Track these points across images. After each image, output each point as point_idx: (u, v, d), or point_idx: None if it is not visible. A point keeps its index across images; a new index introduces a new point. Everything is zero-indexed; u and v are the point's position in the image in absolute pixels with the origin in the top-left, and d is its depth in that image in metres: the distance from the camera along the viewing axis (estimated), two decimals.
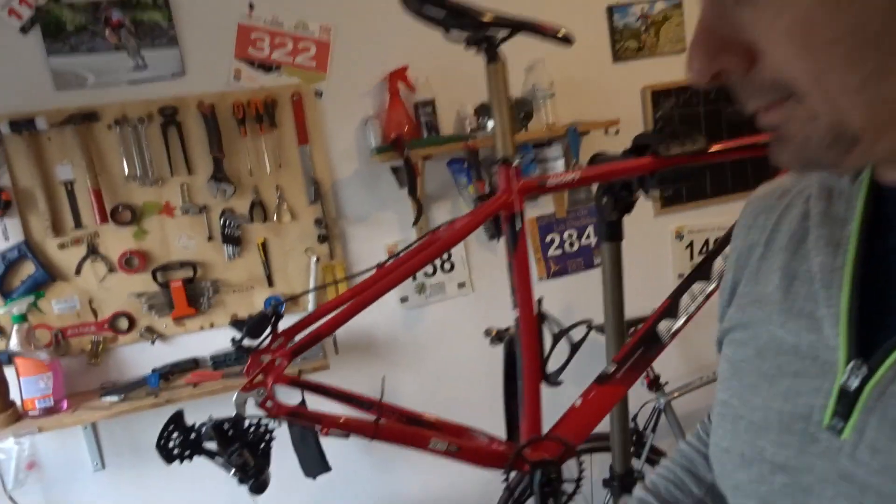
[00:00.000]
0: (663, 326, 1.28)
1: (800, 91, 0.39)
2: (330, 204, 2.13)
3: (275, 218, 2.08)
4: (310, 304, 2.12)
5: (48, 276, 1.91)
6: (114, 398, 1.90)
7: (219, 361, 2.06)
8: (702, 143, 1.31)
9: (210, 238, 2.04)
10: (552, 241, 2.37)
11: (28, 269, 1.91)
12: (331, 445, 2.03)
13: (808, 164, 0.43)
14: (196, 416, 2.12)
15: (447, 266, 2.29)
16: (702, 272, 1.30)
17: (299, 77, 2.08)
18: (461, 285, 2.31)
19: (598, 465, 2.14)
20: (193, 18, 1.98)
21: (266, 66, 2.05)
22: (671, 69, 2.39)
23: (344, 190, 2.16)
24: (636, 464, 2.13)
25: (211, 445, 1.09)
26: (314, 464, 2.02)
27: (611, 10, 2.33)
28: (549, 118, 2.19)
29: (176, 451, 1.06)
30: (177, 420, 1.06)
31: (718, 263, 1.29)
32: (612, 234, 1.55)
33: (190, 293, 2.03)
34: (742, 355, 0.55)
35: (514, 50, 1.50)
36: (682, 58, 2.42)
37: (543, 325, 1.32)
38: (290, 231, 2.11)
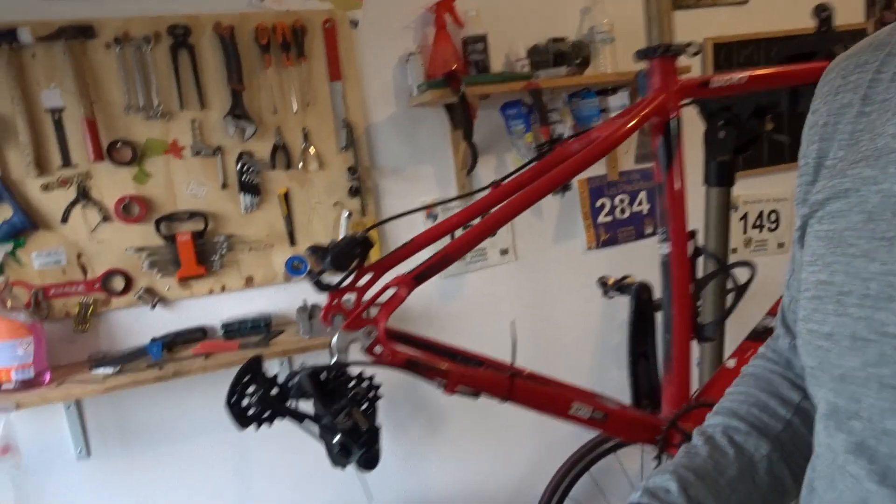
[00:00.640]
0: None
1: None
2: (363, 151, 1.84)
3: (300, 165, 1.79)
4: None
5: (28, 223, 1.58)
6: (108, 370, 1.58)
7: (232, 330, 1.76)
8: None
9: (224, 185, 1.73)
10: (602, 206, 2.13)
11: (4, 212, 1.57)
12: None
13: None
14: (208, 394, 1.83)
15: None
16: None
17: (332, 2, 1.80)
18: (504, 252, 2.05)
19: None
20: None
21: None
22: (734, 21, 2.19)
23: (379, 136, 1.88)
24: None
25: (298, 405, 0.80)
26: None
27: None
28: (609, 66, 1.95)
29: (252, 412, 0.77)
30: (254, 369, 0.78)
31: None
32: (723, 176, 1.31)
33: (199, 249, 1.72)
34: (846, 224, 0.50)
35: None
36: (745, 9, 2.21)
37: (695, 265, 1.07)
38: (317, 181, 1.81)
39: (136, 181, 1.67)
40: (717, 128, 1.22)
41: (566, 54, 1.92)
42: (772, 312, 1.05)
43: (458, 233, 0.97)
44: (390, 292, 0.88)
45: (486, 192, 0.99)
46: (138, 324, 1.74)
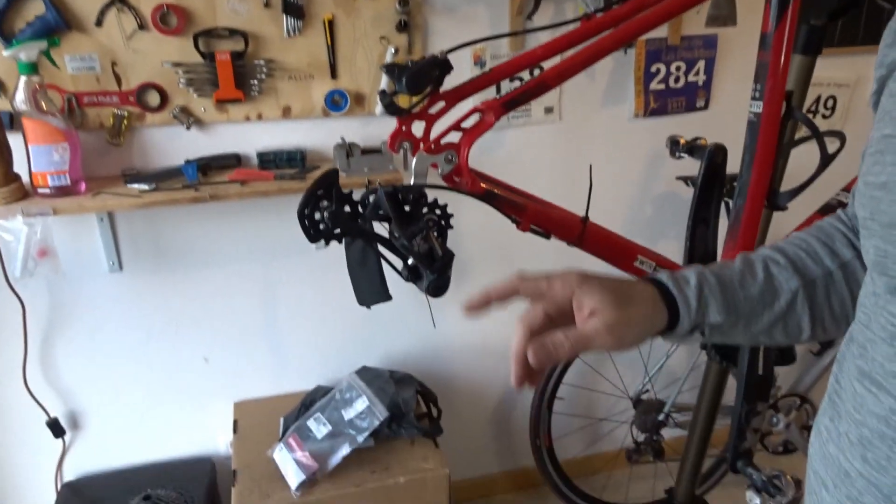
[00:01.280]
0: None
1: None
2: None
3: None
4: (378, 106, 1.75)
5: (62, 21, 1.49)
6: (143, 186, 1.55)
7: (268, 161, 1.72)
8: None
9: (267, 4, 1.62)
10: (657, 71, 2.02)
11: (37, 7, 1.48)
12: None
13: None
14: (241, 222, 1.82)
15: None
16: None
17: None
18: (548, 110, 1.96)
19: None
20: None
21: None
22: None
23: None
24: None
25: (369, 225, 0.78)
26: (373, 290, 1.75)
27: None
28: None
29: (324, 227, 0.75)
30: (330, 182, 0.74)
31: None
32: (812, 43, 1.21)
33: (238, 72, 1.64)
34: None
35: None
36: None
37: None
38: (364, 10, 1.69)
39: None
40: None
41: None
42: (847, 188, 1.01)
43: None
44: (474, 118, 0.83)
45: (576, 24, 0.91)
46: (172, 143, 1.69)
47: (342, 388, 1.79)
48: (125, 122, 1.62)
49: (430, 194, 0.76)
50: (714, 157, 1.01)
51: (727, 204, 2.00)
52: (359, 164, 1.68)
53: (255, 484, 1.68)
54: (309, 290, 1.95)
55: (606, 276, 0.63)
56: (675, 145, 1.06)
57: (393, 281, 1.76)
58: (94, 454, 1.95)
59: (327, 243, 0.77)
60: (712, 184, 1.02)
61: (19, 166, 1.51)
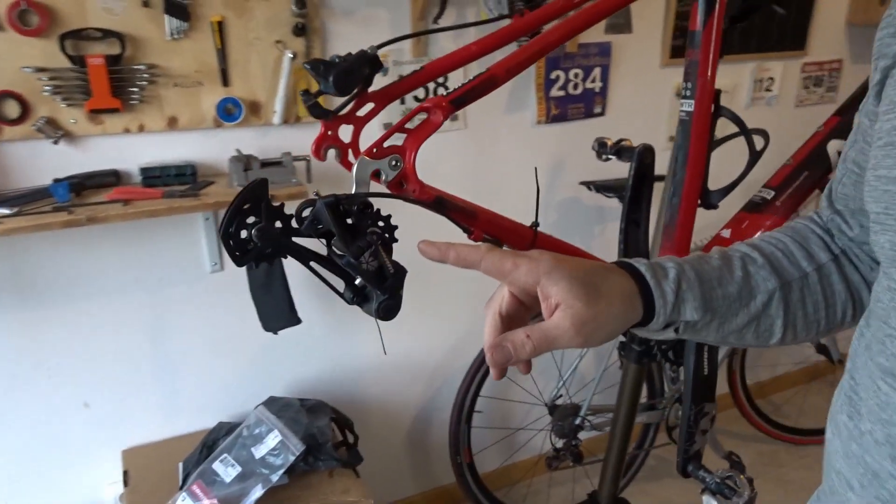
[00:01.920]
0: (832, 147, 1.02)
1: None
2: None
3: None
4: (276, 114, 1.63)
5: None
6: (3, 210, 1.34)
7: (153, 177, 1.54)
8: None
9: (146, 3, 1.46)
10: (557, 78, 2.03)
11: None
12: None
13: None
14: (124, 247, 1.61)
15: (441, 91, 1.88)
16: None
17: None
18: (454, 118, 1.92)
19: None
20: None
21: None
22: None
23: None
24: None
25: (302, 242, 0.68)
26: (279, 314, 1.63)
27: None
28: None
29: (253, 246, 0.64)
30: (258, 194, 0.63)
31: None
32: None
33: (115, 78, 1.46)
34: None
35: None
36: None
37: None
38: (257, 12, 1.57)
39: None
40: None
41: None
42: (769, 185, 1.03)
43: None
44: (419, 118, 0.75)
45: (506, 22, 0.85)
46: (37, 160, 1.48)
47: (250, 424, 1.63)
48: None
49: (373, 204, 0.67)
50: (643, 157, 0.99)
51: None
52: (258, 177, 1.55)
53: None
54: (204, 318, 1.77)
55: (580, 261, 0.57)
56: (602, 147, 1.04)
57: (299, 302, 1.64)
58: None
59: (257, 265, 0.67)
60: (642, 185, 1.00)
61: None
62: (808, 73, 2.51)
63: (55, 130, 1.45)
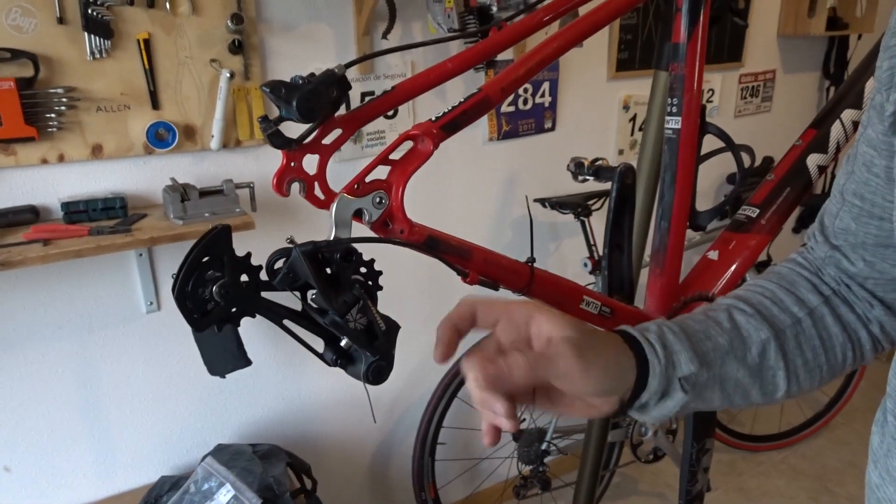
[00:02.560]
0: (811, 161, 0.99)
1: None
2: None
3: (167, 5, 1.40)
4: (214, 139, 1.50)
5: None
6: None
7: (77, 212, 1.38)
8: None
9: (62, 20, 1.31)
10: None
11: None
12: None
13: None
14: (45, 290, 1.43)
15: (390, 112, 1.79)
16: (850, 98, 1.03)
17: None
18: None
19: None
20: None
21: None
22: None
23: None
24: None
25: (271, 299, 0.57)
26: (227, 356, 1.48)
27: None
28: None
29: (214, 306, 0.53)
30: (219, 244, 0.53)
31: (870, 85, 1.03)
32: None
33: (28, 104, 1.30)
34: None
35: None
36: None
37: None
38: (188, 29, 1.44)
39: None
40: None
41: None
42: (752, 202, 0.99)
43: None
44: (405, 147, 0.66)
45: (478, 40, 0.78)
46: None
47: (198, 479, 1.48)
48: None
49: (356, 251, 0.58)
50: (624, 177, 0.93)
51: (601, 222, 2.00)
52: (198, 208, 1.42)
53: None
54: (139, 363, 1.61)
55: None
56: (579, 168, 0.98)
57: (245, 338, 1.51)
58: None
59: (220, 328, 0.56)
60: (623, 207, 0.94)
61: None
62: (745, 83, 2.56)
63: None
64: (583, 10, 0.94)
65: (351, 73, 1.68)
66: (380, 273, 0.58)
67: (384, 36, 1.60)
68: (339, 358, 0.57)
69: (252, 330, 1.63)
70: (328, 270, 0.55)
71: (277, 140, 0.66)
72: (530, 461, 2.02)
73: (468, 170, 1.97)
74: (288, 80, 0.66)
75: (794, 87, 2.73)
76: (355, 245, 0.56)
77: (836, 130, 1.01)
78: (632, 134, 2.31)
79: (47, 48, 1.31)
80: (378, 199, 0.64)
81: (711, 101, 2.47)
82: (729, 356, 0.58)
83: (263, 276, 0.57)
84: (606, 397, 0.53)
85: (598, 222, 1.94)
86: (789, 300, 0.62)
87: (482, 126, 1.96)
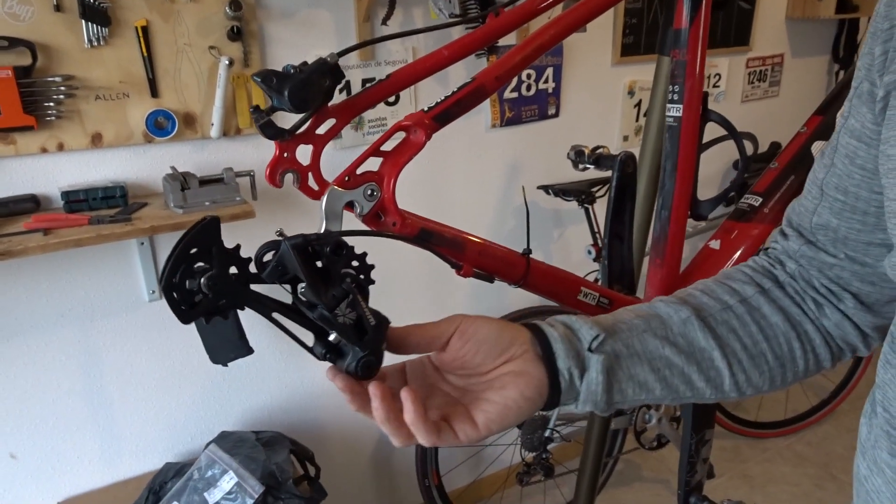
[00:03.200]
0: (817, 149, 0.98)
1: None
2: None
3: None
4: (214, 127, 1.49)
5: None
6: None
7: (77, 201, 1.38)
8: None
9: (59, 7, 1.30)
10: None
11: None
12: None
13: None
14: (47, 280, 1.44)
15: (391, 97, 1.78)
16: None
17: None
18: None
19: None
20: None
21: None
22: None
23: None
24: None
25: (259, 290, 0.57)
26: (229, 345, 1.49)
27: None
28: None
29: (202, 298, 0.53)
30: (208, 236, 0.52)
31: None
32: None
33: (26, 92, 1.30)
34: None
35: None
36: None
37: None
38: (186, 15, 1.43)
39: None
40: None
41: None
42: (755, 190, 0.97)
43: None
44: (397, 138, 0.65)
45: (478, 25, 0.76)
46: None
47: (201, 466, 1.49)
48: None
49: (347, 244, 0.57)
50: (625, 166, 0.92)
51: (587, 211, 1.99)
52: (198, 197, 1.41)
53: None
54: (142, 351, 1.61)
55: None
56: (580, 156, 0.97)
57: (247, 326, 1.51)
58: None
59: (208, 321, 0.56)
60: (624, 196, 0.93)
61: None
62: (753, 67, 2.52)
63: None
64: None
65: (351, 60, 1.68)
66: (372, 267, 0.58)
67: (384, 22, 1.58)
68: (329, 352, 0.57)
69: (254, 318, 1.62)
70: (318, 264, 0.54)
71: (269, 130, 0.65)
72: (533, 448, 2.03)
73: (471, 157, 1.95)
74: (280, 69, 0.65)
75: (803, 71, 2.69)
76: (348, 239, 0.56)
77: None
78: (636, 120, 2.29)
79: (45, 36, 1.30)
80: (369, 192, 0.64)
81: (718, 87, 2.44)
82: (647, 334, 0.58)
83: (253, 269, 0.56)
84: (510, 353, 0.53)
85: (602, 209, 1.92)
86: (720, 290, 0.62)
87: (485, 113, 1.95)
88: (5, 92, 1.27)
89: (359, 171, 0.65)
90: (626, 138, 2.30)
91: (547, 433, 2.01)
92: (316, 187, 0.67)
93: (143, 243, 1.52)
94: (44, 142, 1.35)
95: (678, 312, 0.59)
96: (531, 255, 0.75)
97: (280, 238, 0.53)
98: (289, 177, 0.70)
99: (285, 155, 0.68)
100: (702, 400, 0.60)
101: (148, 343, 1.61)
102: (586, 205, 2.01)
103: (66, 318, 1.50)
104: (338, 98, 0.69)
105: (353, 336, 0.54)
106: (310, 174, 0.70)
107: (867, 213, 0.55)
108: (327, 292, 0.53)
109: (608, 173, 1.08)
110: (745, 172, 0.96)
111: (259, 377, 1.79)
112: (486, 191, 2.03)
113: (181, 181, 1.40)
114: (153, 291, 1.57)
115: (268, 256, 0.55)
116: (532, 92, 2.01)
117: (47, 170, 1.39)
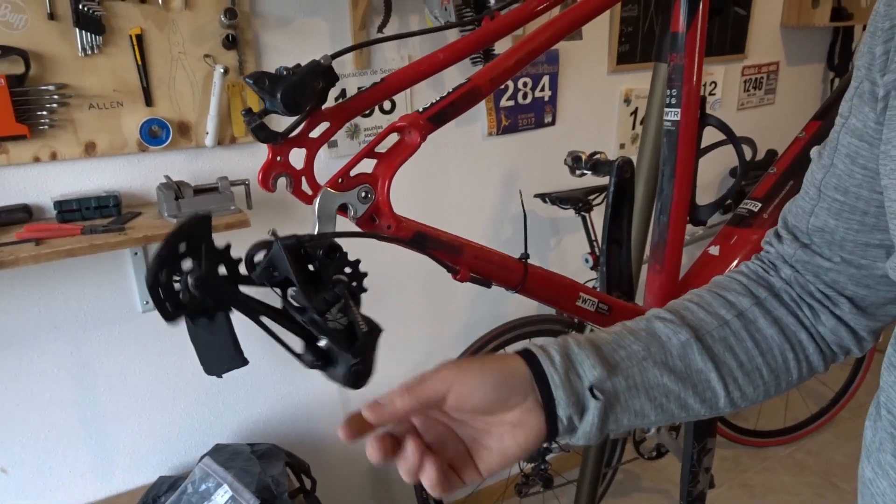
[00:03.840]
0: (816, 153, 0.97)
1: None
2: None
3: (159, 0, 1.38)
4: (209, 135, 1.48)
5: None
6: None
7: (70, 210, 1.37)
8: None
9: (52, 16, 1.29)
10: (506, 88, 1.96)
11: None
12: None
13: None
14: (39, 290, 1.42)
15: (387, 105, 1.78)
16: None
17: None
18: None
19: None
20: None
21: None
22: None
23: None
24: None
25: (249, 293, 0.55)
26: (223, 355, 1.47)
27: None
28: None
29: (189, 298, 0.52)
30: (197, 232, 0.51)
31: None
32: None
33: (19, 101, 1.29)
34: None
35: None
36: None
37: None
38: (181, 24, 1.42)
39: None
40: None
41: None
42: (755, 196, 0.96)
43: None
44: (391, 139, 0.64)
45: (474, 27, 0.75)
46: None
47: (195, 479, 1.47)
48: None
49: (341, 248, 0.56)
50: (622, 171, 0.91)
51: (584, 219, 1.98)
52: (192, 206, 1.40)
53: None
54: (136, 363, 1.60)
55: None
56: (576, 161, 0.96)
57: (242, 336, 1.49)
58: None
59: (194, 321, 0.54)
60: (622, 201, 0.92)
61: None
62: (748, 75, 2.52)
63: None
64: None
65: (347, 68, 1.67)
66: (365, 275, 0.56)
67: (380, 29, 1.58)
68: (318, 359, 0.55)
69: (248, 328, 1.60)
70: (310, 267, 0.53)
71: (262, 133, 0.64)
72: (532, 458, 2.01)
73: (467, 165, 1.95)
74: (272, 70, 0.64)
75: (798, 79, 2.70)
76: (342, 243, 0.54)
77: None
78: (633, 128, 2.29)
79: (38, 44, 1.29)
80: (363, 194, 0.63)
81: (714, 94, 2.44)
82: (647, 362, 0.56)
83: (243, 269, 0.55)
84: (509, 405, 0.51)
85: (599, 217, 1.91)
86: (717, 303, 0.61)
87: (481, 121, 1.94)
88: None
89: (353, 173, 0.64)
90: (622, 146, 2.29)
91: (546, 443, 1.99)
92: (309, 192, 0.66)
93: (136, 253, 1.50)
94: (36, 151, 1.34)
95: (677, 334, 0.58)
96: (528, 261, 0.74)
97: (272, 238, 0.52)
98: (282, 181, 0.69)
99: (278, 158, 0.67)
100: (695, 418, 0.59)
101: (141, 354, 1.59)
102: (583, 213, 2.00)
103: (59, 329, 1.48)
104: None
105: (343, 342, 0.52)
106: (303, 178, 0.68)
107: (867, 214, 0.55)
108: (318, 296, 0.52)
109: (605, 181, 1.07)
110: (743, 178, 0.95)
111: (254, 388, 1.77)
112: (483, 199, 2.02)
113: (175, 190, 1.38)
114: (147, 302, 1.55)
115: (259, 256, 0.54)
116: (528, 100, 2.01)
117: (40, 179, 1.37)
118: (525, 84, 1.99)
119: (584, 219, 2.01)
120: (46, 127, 1.33)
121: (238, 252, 0.55)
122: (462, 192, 1.96)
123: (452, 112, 0.69)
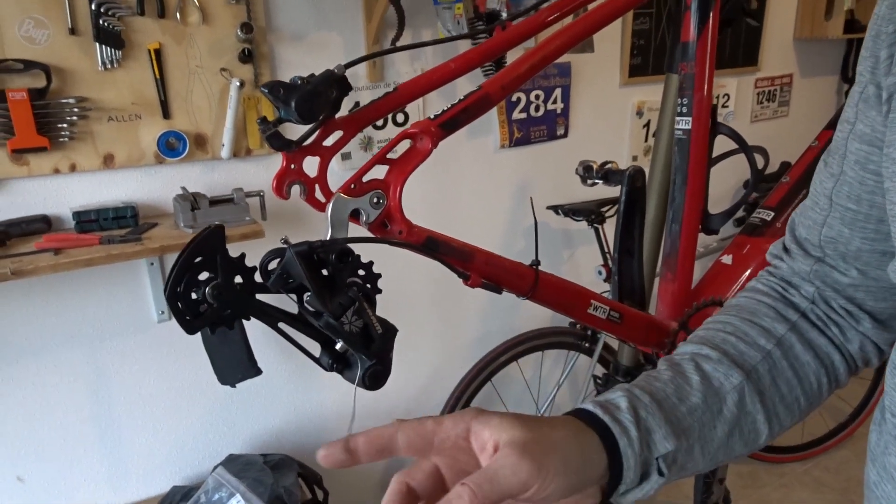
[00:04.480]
0: (821, 161, 0.96)
1: None
2: (258, 5, 1.50)
3: (177, 15, 1.41)
4: (224, 148, 1.50)
5: None
6: None
7: (88, 221, 1.39)
8: None
9: (73, 31, 1.32)
10: (518, 100, 1.97)
11: None
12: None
13: None
14: (57, 300, 1.44)
15: (400, 117, 1.79)
16: None
17: None
18: None
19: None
20: None
21: None
22: None
23: None
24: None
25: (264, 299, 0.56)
26: (237, 365, 1.48)
27: None
28: None
29: (207, 308, 0.52)
30: (212, 244, 0.52)
31: None
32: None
33: (40, 114, 1.31)
34: None
35: None
36: None
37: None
38: (198, 38, 1.45)
39: None
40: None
41: None
42: (767, 205, 0.96)
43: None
44: (403, 146, 0.65)
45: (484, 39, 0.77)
46: None
47: (208, 489, 1.48)
48: None
49: (353, 252, 0.56)
50: (634, 181, 0.91)
51: (597, 230, 1.98)
52: (208, 217, 1.42)
53: None
54: (151, 373, 1.61)
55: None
56: (588, 171, 0.96)
57: (256, 348, 1.50)
58: None
59: (213, 331, 0.55)
60: (633, 210, 0.92)
61: None
62: (761, 88, 2.52)
63: None
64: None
65: (361, 82, 1.69)
66: (379, 276, 0.57)
67: (393, 43, 1.60)
68: (336, 362, 0.56)
69: (262, 339, 1.61)
70: (324, 272, 0.54)
71: (276, 142, 0.65)
72: None
73: (480, 177, 1.95)
74: (287, 80, 0.66)
75: (812, 91, 2.69)
76: (354, 248, 0.55)
77: None
78: (645, 140, 2.29)
79: (59, 59, 1.32)
80: (376, 200, 0.63)
81: (727, 107, 2.44)
82: (706, 416, 0.53)
83: (258, 278, 0.56)
84: (579, 493, 0.45)
85: (612, 229, 1.91)
86: (754, 332, 0.58)
87: (494, 133, 1.95)
88: (20, 113, 1.29)
89: (365, 179, 0.65)
90: (635, 158, 2.29)
91: None
92: (323, 199, 0.67)
93: (152, 263, 1.52)
94: (56, 162, 1.37)
95: (729, 378, 0.55)
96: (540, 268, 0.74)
97: (285, 246, 0.53)
98: (295, 189, 0.70)
99: (292, 166, 0.68)
100: (731, 460, 0.57)
101: (156, 364, 1.61)
102: (596, 225, 2.00)
103: (76, 338, 1.50)
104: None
105: (359, 344, 0.53)
106: (316, 186, 0.69)
107: (882, 221, 0.53)
108: (333, 300, 0.52)
109: (618, 193, 1.07)
110: (755, 187, 0.95)
111: (267, 399, 1.78)
112: (496, 211, 2.02)
113: (191, 201, 1.40)
114: (162, 312, 1.57)
115: (273, 265, 0.55)
116: (541, 112, 2.02)
117: (59, 190, 1.40)
118: (537, 97, 2.00)
119: (596, 231, 2.01)
120: (66, 139, 1.35)
121: (254, 262, 0.55)
122: (475, 205, 1.97)
123: (464, 119, 0.70)
